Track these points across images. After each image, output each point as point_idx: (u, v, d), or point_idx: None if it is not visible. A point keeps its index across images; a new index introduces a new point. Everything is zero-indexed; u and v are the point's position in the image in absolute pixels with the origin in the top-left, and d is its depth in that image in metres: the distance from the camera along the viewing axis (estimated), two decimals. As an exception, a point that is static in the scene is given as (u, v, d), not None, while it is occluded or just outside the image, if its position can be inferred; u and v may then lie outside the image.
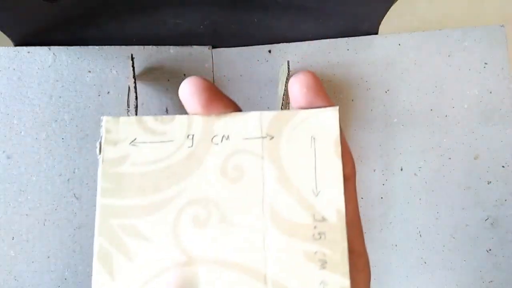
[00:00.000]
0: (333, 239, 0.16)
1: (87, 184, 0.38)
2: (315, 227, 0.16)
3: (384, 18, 0.40)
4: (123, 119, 0.18)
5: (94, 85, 0.39)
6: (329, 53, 0.41)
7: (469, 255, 0.40)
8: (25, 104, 0.38)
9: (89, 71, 0.39)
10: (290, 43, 0.41)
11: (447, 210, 0.40)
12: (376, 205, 0.40)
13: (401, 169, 0.40)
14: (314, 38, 0.41)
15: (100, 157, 0.18)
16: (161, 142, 0.18)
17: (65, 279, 0.37)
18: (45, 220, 0.37)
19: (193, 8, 0.39)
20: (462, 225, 0.40)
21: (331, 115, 0.17)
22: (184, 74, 0.40)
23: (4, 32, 0.38)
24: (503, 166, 0.40)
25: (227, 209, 0.17)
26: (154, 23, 0.40)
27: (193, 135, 0.18)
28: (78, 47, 0.39)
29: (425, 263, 0.40)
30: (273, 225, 0.16)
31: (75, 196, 0.38)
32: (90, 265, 0.37)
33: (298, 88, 0.17)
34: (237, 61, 0.41)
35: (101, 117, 0.18)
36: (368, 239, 0.40)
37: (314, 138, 0.17)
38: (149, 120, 0.18)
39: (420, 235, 0.40)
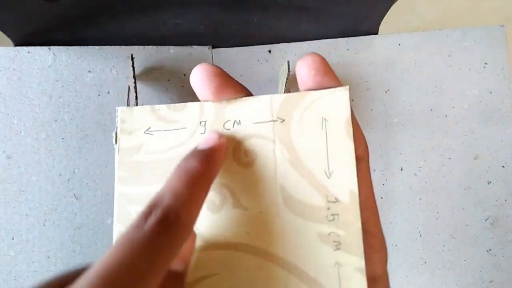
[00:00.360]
0: (346, 220, 0.15)
1: (87, 184, 0.38)
2: (328, 209, 0.16)
3: (384, 18, 0.40)
4: (137, 108, 0.18)
5: (94, 85, 0.39)
6: (329, 53, 0.41)
7: (469, 255, 0.40)
8: (25, 104, 0.38)
9: (89, 71, 0.39)
10: (290, 43, 0.41)
11: (447, 210, 0.40)
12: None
13: (401, 169, 0.40)
14: (314, 38, 0.41)
15: (116, 147, 0.18)
16: (174, 129, 0.18)
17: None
18: (45, 220, 0.37)
19: (193, 8, 0.39)
20: (462, 225, 0.40)
21: (341, 95, 0.16)
22: (184, 74, 0.40)
23: (4, 32, 0.38)
24: (503, 166, 0.40)
25: (241, 194, 0.17)
26: (154, 23, 0.40)
27: (205, 122, 0.18)
28: (78, 47, 0.39)
29: (425, 263, 0.40)
30: (286, 208, 0.16)
31: (75, 196, 0.38)
32: (90, 265, 0.37)
33: (306, 71, 0.17)
34: (237, 61, 0.41)
35: (116, 108, 0.18)
36: (368, 239, 0.40)
37: (325, 119, 0.16)
38: (162, 108, 0.18)
39: (420, 235, 0.40)
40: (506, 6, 0.42)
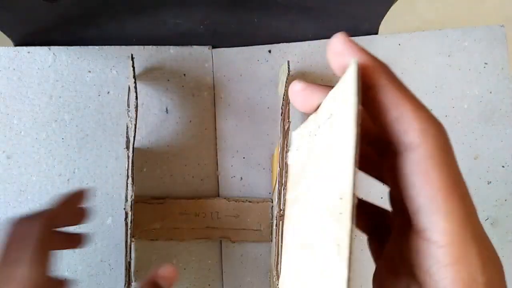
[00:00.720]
0: (344, 221, 0.13)
1: (87, 184, 0.38)
2: (339, 207, 0.14)
3: (384, 18, 0.40)
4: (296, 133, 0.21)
5: (94, 85, 0.39)
6: (329, 53, 0.41)
7: (469, 255, 0.40)
8: (25, 104, 0.38)
9: (89, 71, 0.39)
10: (290, 43, 0.41)
11: (447, 210, 0.40)
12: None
13: (401, 169, 0.40)
14: (314, 38, 0.41)
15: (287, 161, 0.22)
16: (305, 143, 0.20)
17: (65, 279, 0.37)
18: (45, 220, 0.37)
19: (193, 8, 0.39)
20: (462, 225, 0.40)
21: (348, 74, 0.14)
22: (184, 74, 0.40)
23: (4, 32, 0.38)
24: (503, 166, 0.40)
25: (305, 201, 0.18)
26: (154, 23, 0.40)
27: (312, 132, 0.19)
28: (78, 47, 0.39)
29: (425, 263, 0.40)
30: (322, 206, 0.15)
31: (75, 196, 0.38)
32: (90, 265, 0.37)
33: (328, 56, 0.15)
34: (237, 61, 0.41)
35: (293, 133, 0.21)
36: (368, 239, 0.40)
37: (340, 107, 0.15)
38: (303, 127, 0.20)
39: (420, 235, 0.40)
40: (506, 6, 0.42)
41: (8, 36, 0.38)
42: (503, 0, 0.42)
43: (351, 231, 0.13)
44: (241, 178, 0.39)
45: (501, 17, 0.42)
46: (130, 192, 0.33)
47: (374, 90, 0.15)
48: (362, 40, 0.41)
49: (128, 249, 0.33)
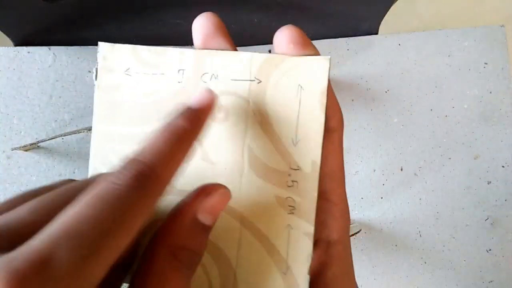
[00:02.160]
0: (304, 188, 0.16)
1: (87, 184, 0.38)
2: (289, 175, 0.16)
3: (384, 18, 0.40)
4: (118, 46, 0.18)
5: (94, 85, 0.39)
6: (329, 53, 0.41)
7: (469, 255, 0.40)
8: (25, 104, 0.38)
9: (89, 71, 0.39)
10: (290, 43, 0.41)
11: (447, 210, 0.40)
12: (376, 205, 0.40)
13: (401, 169, 0.40)
14: (314, 38, 0.41)
15: (96, 83, 0.18)
16: (153, 74, 0.18)
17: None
18: (45, 220, 0.37)
19: (193, 8, 0.39)
20: (462, 225, 0.40)
21: (321, 64, 0.16)
22: (184, 74, 0.40)
23: (4, 32, 0.38)
24: (503, 166, 0.40)
25: (210, 148, 0.17)
26: (154, 23, 0.40)
27: (183, 70, 0.18)
28: (78, 47, 0.39)
29: (425, 263, 0.40)
30: (251, 168, 0.17)
31: (75, 196, 0.38)
32: (90, 265, 0.37)
33: (284, 45, 0.17)
34: (237, 61, 0.41)
35: (99, 43, 0.18)
36: (368, 239, 0.40)
37: (301, 87, 0.16)
38: (143, 50, 0.18)
39: (420, 235, 0.40)
40: (506, 6, 0.42)
41: (8, 36, 0.38)
42: (503, 0, 0.42)
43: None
44: (241, 178, 0.39)
45: (501, 17, 0.42)
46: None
47: None
48: (362, 40, 0.41)
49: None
